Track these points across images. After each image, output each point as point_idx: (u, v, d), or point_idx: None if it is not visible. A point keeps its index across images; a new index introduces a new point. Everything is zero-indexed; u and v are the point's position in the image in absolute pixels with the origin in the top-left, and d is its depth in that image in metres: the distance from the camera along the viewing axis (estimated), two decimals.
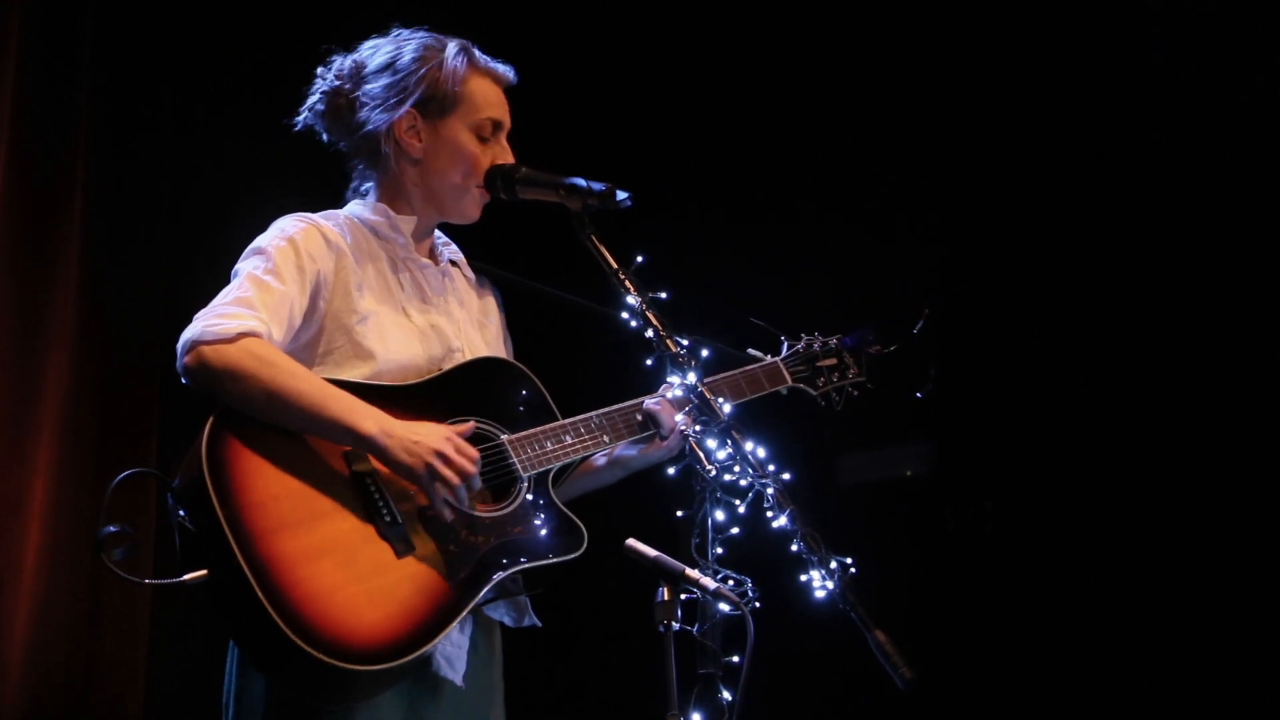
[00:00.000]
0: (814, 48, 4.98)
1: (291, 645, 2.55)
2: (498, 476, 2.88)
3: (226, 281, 2.85)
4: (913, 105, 4.90)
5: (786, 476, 2.72)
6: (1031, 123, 4.75)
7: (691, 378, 2.82)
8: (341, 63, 3.06)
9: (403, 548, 2.72)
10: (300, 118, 3.08)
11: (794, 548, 2.63)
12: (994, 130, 4.81)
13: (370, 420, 2.72)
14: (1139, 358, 4.60)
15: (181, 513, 2.66)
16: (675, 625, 2.62)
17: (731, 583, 2.68)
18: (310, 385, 2.73)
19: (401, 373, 2.91)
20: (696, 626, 2.68)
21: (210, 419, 2.68)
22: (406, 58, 3.00)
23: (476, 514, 2.82)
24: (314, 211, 2.99)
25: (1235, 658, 4.38)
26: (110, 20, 4.32)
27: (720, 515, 2.79)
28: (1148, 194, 4.59)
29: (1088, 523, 4.65)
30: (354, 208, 3.07)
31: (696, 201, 5.02)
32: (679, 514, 2.82)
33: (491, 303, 3.23)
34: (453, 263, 3.17)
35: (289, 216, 2.95)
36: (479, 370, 3.00)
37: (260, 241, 2.89)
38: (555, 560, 2.86)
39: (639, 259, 2.90)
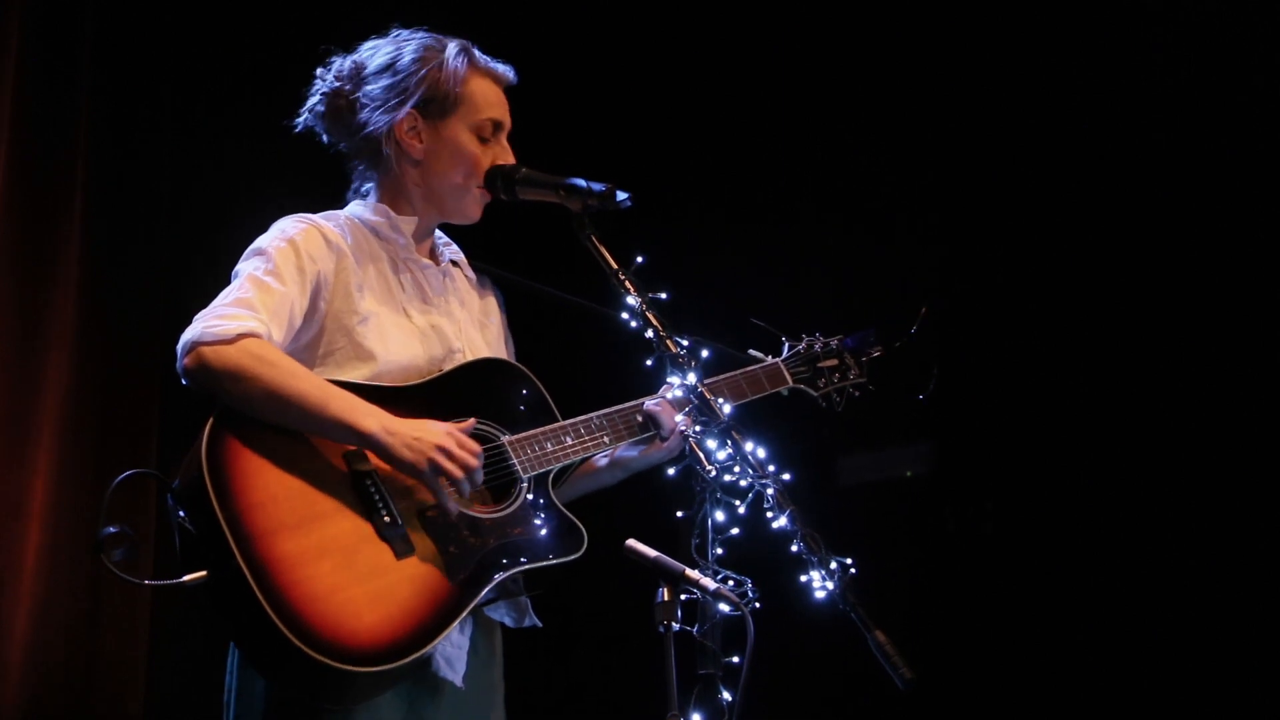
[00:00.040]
0: (814, 48, 4.97)
1: (291, 646, 2.55)
2: (498, 477, 2.88)
3: (226, 282, 2.85)
4: (912, 106, 4.90)
5: (786, 477, 2.72)
6: (1031, 123, 4.75)
7: (691, 378, 2.82)
8: (341, 64, 3.05)
9: (403, 548, 2.72)
10: (300, 119, 3.08)
11: (794, 548, 2.63)
12: (994, 130, 4.81)
13: (371, 418, 2.72)
14: (1139, 358, 4.59)
15: (181, 513, 2.66)
16: (675, 626, 2.61)
17: (731, 583, 2.67)
18: (311, 385, 2.73)
19: (402, 373, 2.91)
20: (696, 627, 2.67)
21: (210, 420, 2.68)
22: (407, 58, 3.00)
23: (477, 515, 2.82)
24: (314, 212, 2.99)
25: (1235, 657, 4.38)
26: (110, 20, 4.32)
27: (720, 516, 2.79)
28: (1148, 194, 4.59)
29: (1088, 523, 4.64)
30: (355, 208, 3.07)
31: (696, 202, 5.02)
32: (679, 515, 2.82)
33: (493, 303, 3.22)
34: (454, 263, 3.17)
35: (289, 217, 2.95)
36: (479, 371, 3.00)
37: (260, 242, 2.89)
38: (555, 561, 2.86)
39: (639, 259, 2.90)
